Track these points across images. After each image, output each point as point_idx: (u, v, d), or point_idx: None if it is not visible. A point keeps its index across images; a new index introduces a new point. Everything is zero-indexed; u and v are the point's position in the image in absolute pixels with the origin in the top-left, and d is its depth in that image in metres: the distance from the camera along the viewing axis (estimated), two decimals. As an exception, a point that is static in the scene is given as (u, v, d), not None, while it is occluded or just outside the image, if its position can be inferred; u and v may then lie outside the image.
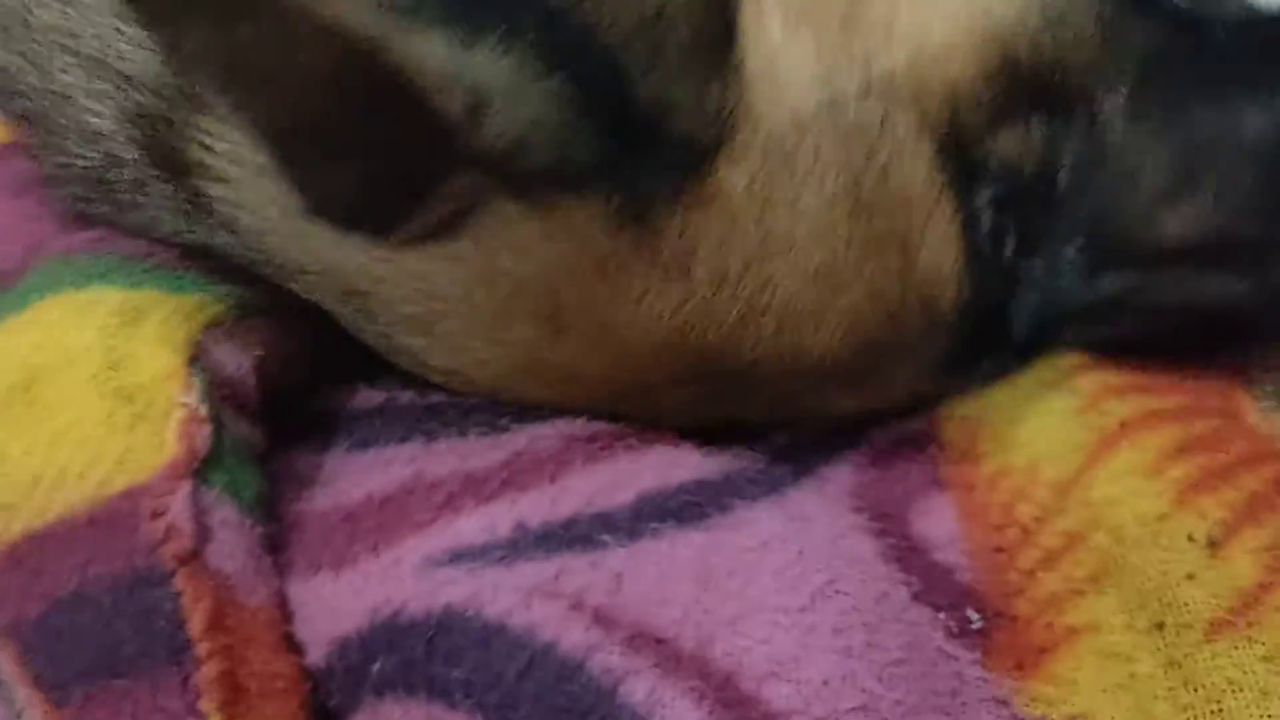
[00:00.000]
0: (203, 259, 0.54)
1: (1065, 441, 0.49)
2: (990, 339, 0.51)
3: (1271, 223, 0.49)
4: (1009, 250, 0.50)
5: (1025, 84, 0.50)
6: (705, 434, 0.52)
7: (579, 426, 0.50)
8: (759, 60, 0.46)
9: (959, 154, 0.48)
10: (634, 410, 0.50)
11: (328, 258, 0.49)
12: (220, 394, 0.50)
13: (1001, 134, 0.49)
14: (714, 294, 0.46)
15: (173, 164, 0.51)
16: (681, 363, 0.48)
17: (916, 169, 0.48)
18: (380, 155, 0.44)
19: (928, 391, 0.52)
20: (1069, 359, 0.54)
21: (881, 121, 0.47)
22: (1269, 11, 0.53)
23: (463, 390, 0.52)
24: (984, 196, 0.49)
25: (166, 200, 0.53)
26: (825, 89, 0.47)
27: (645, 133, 0.44)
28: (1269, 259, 0.50)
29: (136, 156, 0.52)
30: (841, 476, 0.51)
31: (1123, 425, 0.50)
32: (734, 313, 0.47)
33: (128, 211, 0.54)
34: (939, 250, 0.48)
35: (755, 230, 0.46)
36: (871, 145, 0.47)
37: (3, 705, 0.46)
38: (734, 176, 0.46)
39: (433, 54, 0.39)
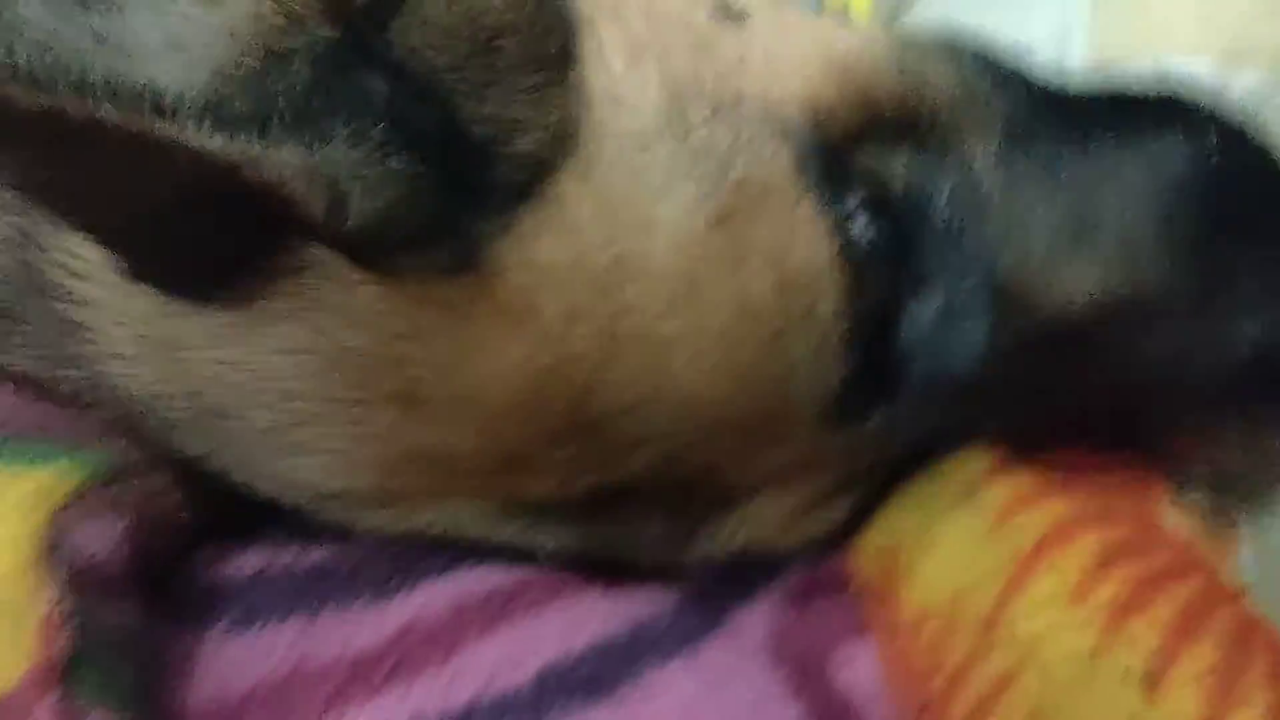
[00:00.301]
0: (68, 412, 0.50)
1: (982, 568, 0.47)
2: (880, 386, 0.48)
3: (1189, 276, 0.48)
4: (887, 263, 0.48)
5: (887, 121, 0.49)
6: (612, 572, 0.49)
7: (473, 582, 0.47)
8: (601, 84, 0.45)
9: (822, 158, 0.47)
10: (521, 489, 0.47)
11: (185, 372, 0.46)
12: (84, 581, 0.45)
13: (865, 148, 0.49)
14: (569, 329, 0.43)
15: (37, 285, 0.49)
16: (551, 418, 0.44)
17: (775, 172, 0.46)
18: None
19: (826, 451, 0.48)
20: (974, 464, 0.51)
21: (735, 135, 0.46)
22: (1120, 87, 0.54)
23: (359, 516, 0.48)
24: (853, 200, 0.48)
25: (37, 333, 0.50)
26: (672, 110, 0.46)
27: (483, 160, 0.42)
28: (1192, 319, 0.49)
29: (6, 281, 0.50)
30: (757, 624, 0.48)
31: (1038, 544, 0.48)
32: (594, 348, 0.44)
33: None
34: (811, 251, 0.46)
35: (606, 252, 0.43)
36: (725, 156, 0.45)
37: None
38: (580, 195, 0.44)
39: (287, 163, 0.39)
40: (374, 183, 0.41)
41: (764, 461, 0.48)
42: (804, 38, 0.51)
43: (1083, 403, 0.51)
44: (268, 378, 0.45)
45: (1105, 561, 0.47)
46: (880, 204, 0.48)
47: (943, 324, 0.48)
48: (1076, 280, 0.48)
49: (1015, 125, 0.50)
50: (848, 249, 0.47)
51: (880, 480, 0.52)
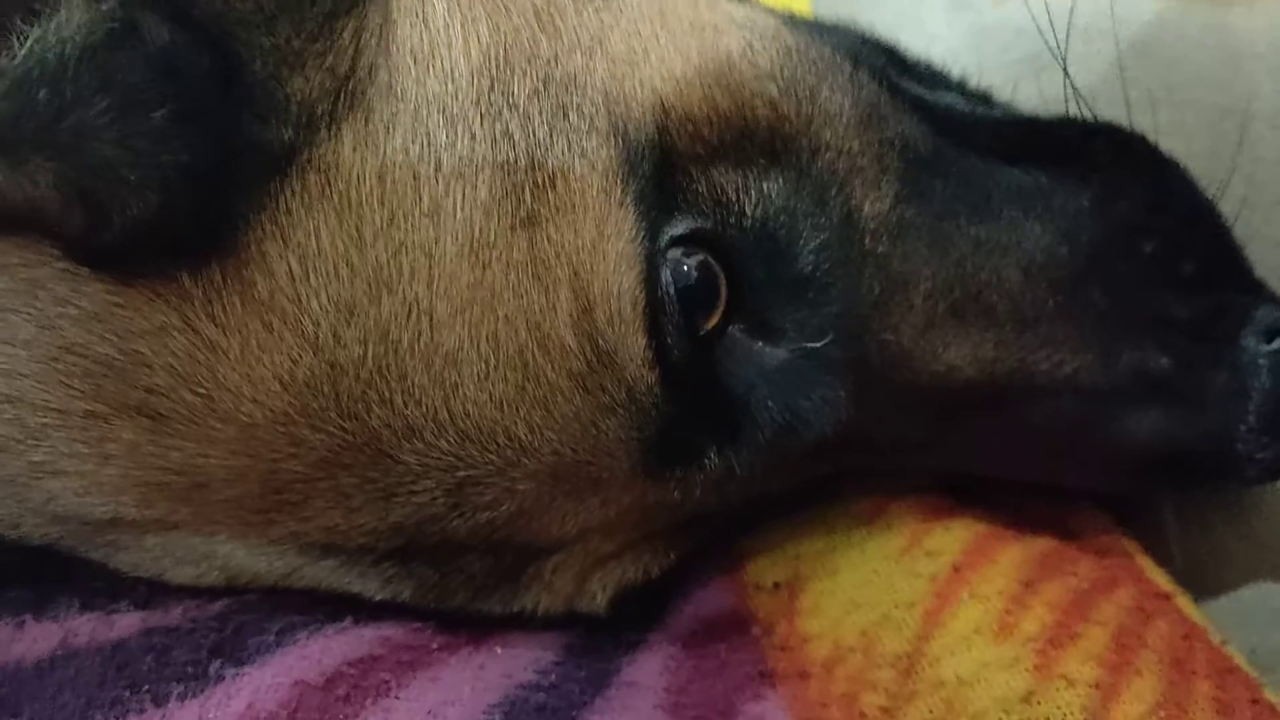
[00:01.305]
0: None
1: (896, 599, 0.42)
2: (716, 424, 0.42)
3: (1090, 355, 0.42)
4: (720, 302, 0.42)
5: (763, 141, 0.43)
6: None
7: (313, 658, 0.39)
8: (416, 38, 0.39)
9: (658, 169, 0.41)
10: (302, 524, 0.40)
11: None
12: None
13: (720, 168, 0.42)
14: (340, 330, 0.37)
15: None
16: (321, 439, 0.38)
17: (593, 175, 0.40)
18: None
19: (656, 496, 0.42)
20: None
21: (555, 123, 0.40)
22: (1030, 113, 0.48)
23: (142, 547, 0.41)
24: (683, 224, 0.41)
25: None
26: (493, 78, 0.40)
27: (258, 111, 0.36)
28: (1090, 401, 0.42)
29: None
30: (651, 676, 0.42)
31: (956, 569, 0.43)
32: (370, 355, 0.37)
33: None
34: (618, 278, 0.39)
35: (386, 240, 0.37)
36: (539, 147, 0.39)
37: None
38: (361, 165, 0.37)
39: (40, 182, 0.35)
40: (138, 186, 0.34)
41: (582, 509, 0.41)
42: (683, 27, 0.44)
43: (967, 465, 0.46)
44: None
45: (1029, 581, 0.42)
46: (721, 231, 0.41)
47: (797, 374, 0.42)
48: (961, 352, 0.43)
49: (913, 170, 0.44)
50: (663, 279, 0.40)
51: (739, 516, 0.46)
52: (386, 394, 0.37)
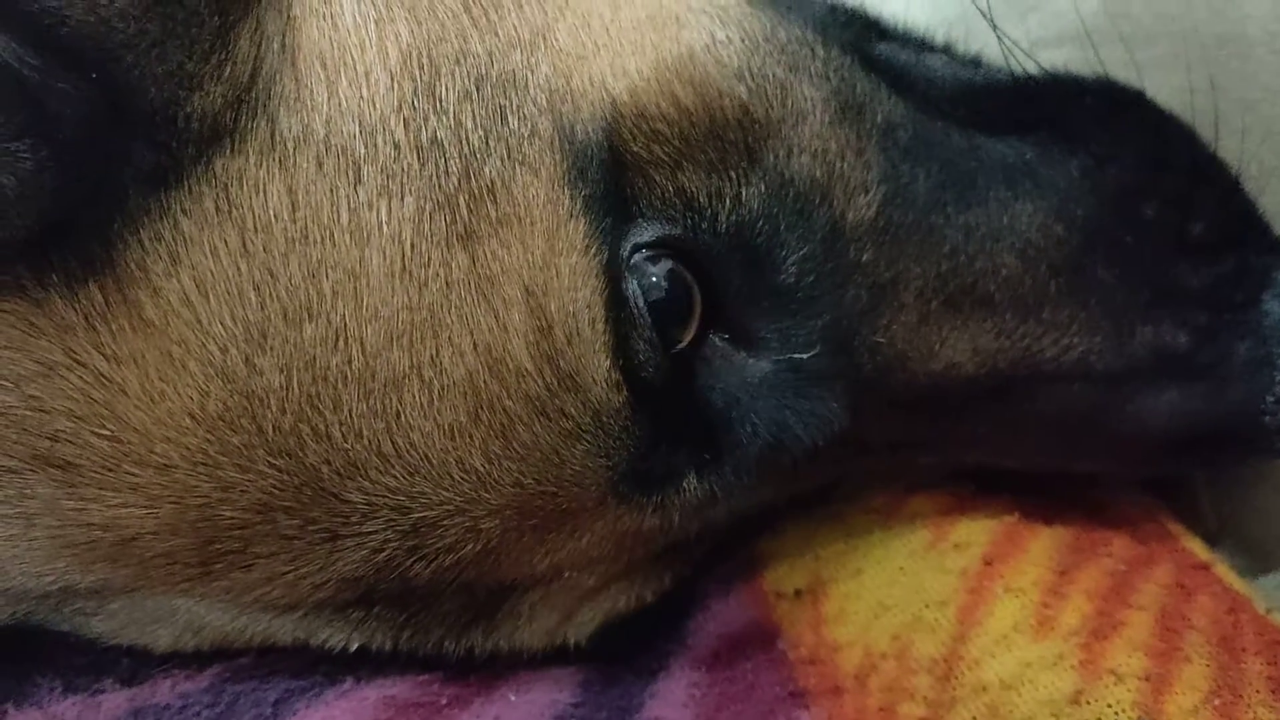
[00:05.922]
0: None
1: (926, 598, 0.40)
2: (695, 443, 0.39)
3: (1098, 336, 0.40)
4: (695, 313, 0.39)
5: (734, 143, 0.39)
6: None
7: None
8: (325, 43, 0.36)
9: (609, 177, 0.38)
10: (241, 574, 0.37)
11: None
12: None
13: (689, 172, 0.39)
14: (252, 358, 0.34)
15: None
16: (251, 479, 0.35)
17: (537, 184, 0.37)
18: None
19: (624, 524, 0.39)
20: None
21: (491, 128, 0.37)
22: (1016, 75, 0.45)
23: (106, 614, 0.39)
24: (648, 233, 0.38)
25: None
26: (416, 82, 0.37)
27: (157, 136, 0.34)
28: (1103, 385, 0.40)
29: None
30: (676, 708, 0.39)
31: (987, 561, 0.41)
32: (293, 385, 0.34)
33: None
34: (574, 293, 0.36)
35: (301, 262, 0.34)
36: (474, 155, 0.36)
37: None
38: (263, 178, 0.34)
39: None
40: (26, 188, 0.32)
41: (552, 544, 0.38)
42: (638, 18, 0.40)
43: (976, 461, 0.43)
44: None
45: (1064, 569, 0.40)
46: (692, 238, 0.38)
47: (784, 386, 0.39)
48: (960, 347, 0.40)
49: (896, 163, 0.41)
50: (630, 291, 0.37)
51: (726, 536, 0.44)
52: (321, 427, 0.34)
